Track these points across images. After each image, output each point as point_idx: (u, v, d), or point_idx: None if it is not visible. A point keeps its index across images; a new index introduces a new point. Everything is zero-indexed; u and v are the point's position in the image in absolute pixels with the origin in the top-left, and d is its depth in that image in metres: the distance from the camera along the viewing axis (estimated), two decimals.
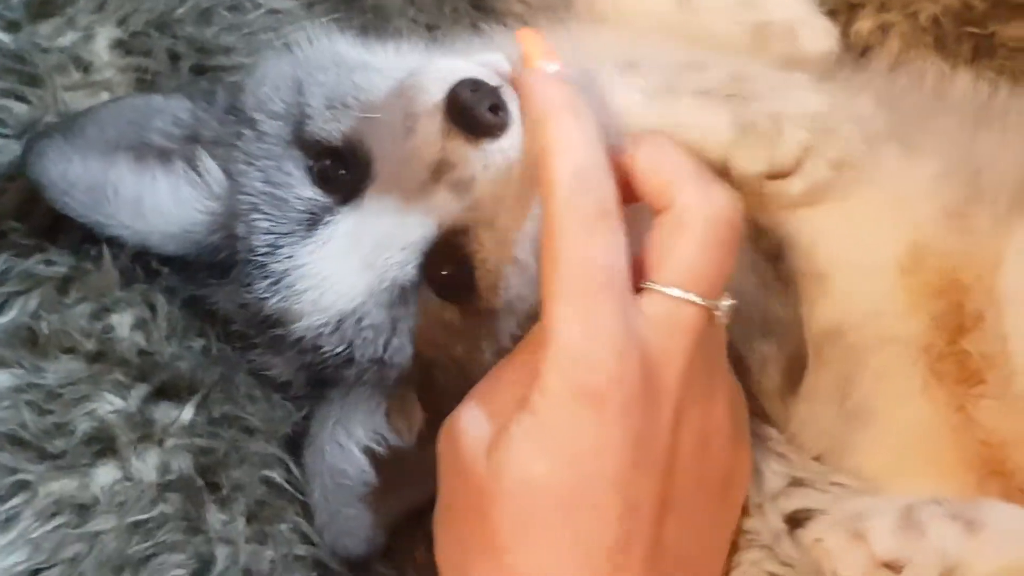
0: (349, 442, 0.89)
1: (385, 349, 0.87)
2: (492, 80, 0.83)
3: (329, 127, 0.87)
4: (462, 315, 0.88)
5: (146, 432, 0.84)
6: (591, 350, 0.76)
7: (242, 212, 0.87)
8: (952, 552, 0.80)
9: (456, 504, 0.81)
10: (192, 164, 0.90)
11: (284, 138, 0.88)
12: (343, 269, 0.86)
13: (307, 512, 0.88)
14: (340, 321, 0.86)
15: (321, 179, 0.87)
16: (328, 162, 0.87)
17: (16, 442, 0.82)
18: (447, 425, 0.82)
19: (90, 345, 0.85)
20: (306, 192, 0.86)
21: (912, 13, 1.02)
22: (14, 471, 0.81)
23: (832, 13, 1.01)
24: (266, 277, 0.87)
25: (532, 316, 0.84)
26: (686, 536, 0.81)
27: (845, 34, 1.02)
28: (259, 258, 0.86)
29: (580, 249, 0.77)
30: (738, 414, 0.86)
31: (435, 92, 0.82)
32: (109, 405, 0.84)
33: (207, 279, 0.90)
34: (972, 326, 0.90)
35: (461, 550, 0.80)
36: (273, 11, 0.99)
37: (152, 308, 0.88)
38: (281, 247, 0.86)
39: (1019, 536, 0.82)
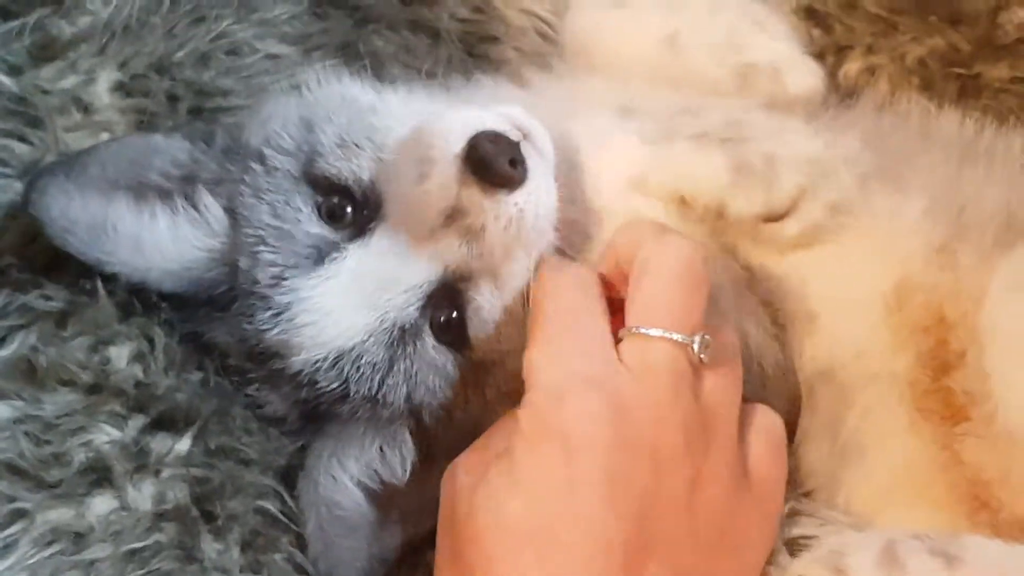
0: (343, 475, 0.91)
1: (380, 388, 0.89)
2: (512, 134, 0.86)
3: (340, 165, 0.90)
4: (456, 362, 0.90)
5: (142, 462, 0.86)
6: (560, 392, 0.80)
7: (246, 245, 0.90)
8: None
9: (443, 548, 0.84)
10: (192, 202, 0.92)
11: (293, 174, 0.91)
12: (345, 306, 0.88)
13: (301, 542, 0.89)
14: (338, 357, 0.88)
15: (329, 215, 0.89)
16: (336, 199, 0.89)
17: (14, 471, 0.84)
18: (447, 473, 0.85)
19: (87, 377, 0.88)
20: (313, 228, 0.89)
21: (900, 55, 1.05)
22: (12, 500, 0.83)
23: (821, 55, 1.06)
24: (268, 309, 0.89)
25: (516, 373, 0.87)
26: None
27: (834, 76, 1.06)
28: (262, 290, 0.89)
29: (554, 300, 0.83)
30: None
31: (455, 141, 0.85)
32: (106, 436, 0.86)
33: (204, 314, 0.92)
34: (956, 363, 0.91)
35: None
36: (271, 56, 1.02)
37: (150, 341, 0.90)
38: (285, 280, 0.88)
39: (998, 571, 0.83)
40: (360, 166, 0.89)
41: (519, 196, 0.86)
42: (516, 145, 0.86)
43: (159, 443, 0.87)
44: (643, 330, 0.82)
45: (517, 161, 0.85)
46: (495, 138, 0.85)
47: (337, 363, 0.88)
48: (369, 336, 0.88)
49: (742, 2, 1.06)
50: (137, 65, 0.98)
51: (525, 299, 0.89)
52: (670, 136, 0.94)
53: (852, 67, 1.06)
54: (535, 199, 0.86)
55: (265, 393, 0.92)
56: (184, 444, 0.88)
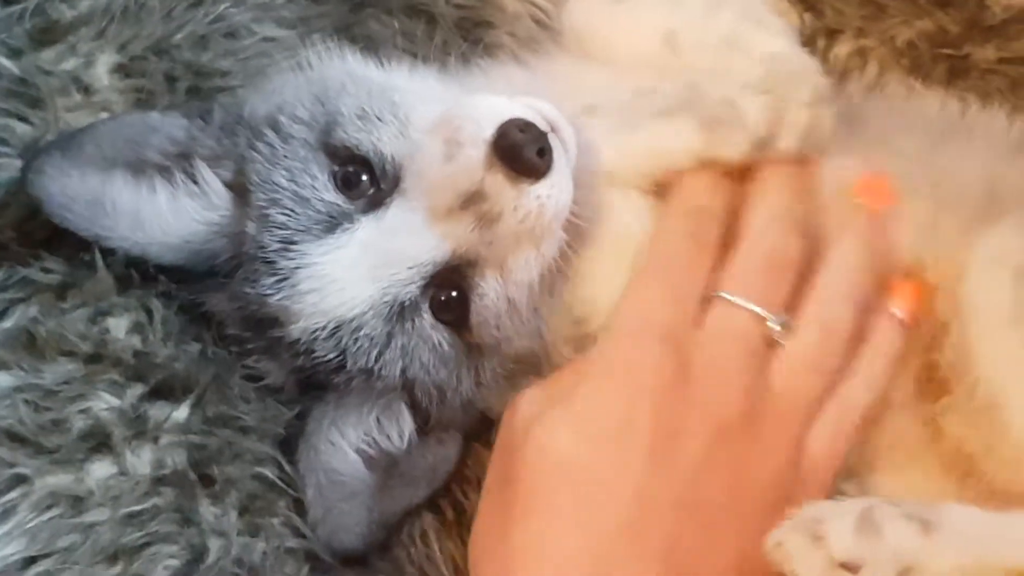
0: (342, 442, 0.93)
1: (376, 361, 0.91)
2: (542, 124, 0.89)
3: (361, 136, 0.92)
4: (452, 342, 0.93)
5: (141, 429, 0.89)
6: (634, 337, 0.85)
7: (256, 209, 0.92)
8: (908, 552, 0.83)
9: (493, 473, 0.87)
10: (190, 176, 0.95)
11: (309, 142, 0.93)
12: (350, 276, 0.90)
13: (299, 507, 0.92)
14: (337, 328, 0.91)
15: (344, 184, 0.92)
16: (352, 168, 0.92)
17: (14, 438, 0.87)
18: (510, 403, 0.88)
19: (86, 347, 0.90)
20: (328, 195, 0.91)
21: (889, 38, 1.08)
22: (12, 465, 0.86)
23: (812, 38, 1.09)
24: (273, 274, 0.91)
25: (516, 359, 0.93)
26: (708, 549, 0.84)
27: (825, 59, 1.08)
28: (269, 254, 0.91)
29: (665, 245, 0.90)
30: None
31: (486, 126, 0.88)
32: (104, 403, 0.89)
33: (203, 284, 0.95)
34: (939, 335, 0.93)
35: (485, 528, 0.86)
36: (268, 39, 1.05)
37: (149, 312, 0.93)
38: (294, 244, 0.90)
39: (974, 536, 0.84)
40: (381, 139, 0.91)
41: (542, 188, 0.88)
42: (544, 136, 0.88)
43: (157, 411, 0.90)
44: (727, 296, 0.87)
45: (544, 151, 0.88)
46: (525, 126, 0.88)
47: (335, 333, 0.91)
48: (369, 309, 0.90)
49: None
50: (136, 47, 1.00)
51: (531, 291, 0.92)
52: (634, 122, 0.96)
53: (842, 50, 1.09)
54: (555, 193, 0.89)
55: (263, 363, 0.95)
56: (182, 412, 0.90)
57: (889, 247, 0.92)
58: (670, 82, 0.96)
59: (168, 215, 0.94)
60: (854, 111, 1.01)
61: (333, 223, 0.90)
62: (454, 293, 0.91)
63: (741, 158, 0.93)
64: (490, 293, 0.92)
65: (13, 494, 0.85)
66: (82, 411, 0.88)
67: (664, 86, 0.96)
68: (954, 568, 0.82)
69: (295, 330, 0.91)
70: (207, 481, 0.89)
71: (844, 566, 0.82)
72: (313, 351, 0.92)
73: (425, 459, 0.95)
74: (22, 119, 0.97)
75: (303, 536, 0.91)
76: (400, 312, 0.90)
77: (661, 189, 0.96)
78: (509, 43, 1.12)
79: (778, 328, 0.87)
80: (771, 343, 0.87)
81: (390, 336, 0.91)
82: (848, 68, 1.09)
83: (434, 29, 1.11)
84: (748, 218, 0.92)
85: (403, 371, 0.92)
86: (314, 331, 0.91)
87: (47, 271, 0.92)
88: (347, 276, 0.90)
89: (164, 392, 0.91)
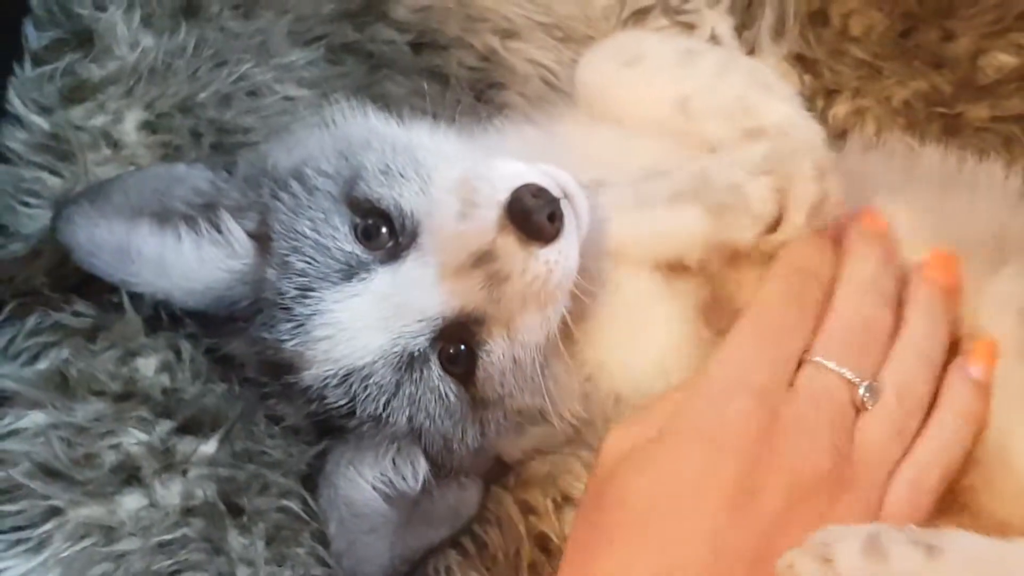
0: (359, 480, 0.99)
1: (385, 408, 0.98)
2: (555, 191, 0.95)
3: (383, 191, 0.99)
4: (458, 394, 0.99)
5: (169, 462, 0.96)
6: (727, 394, 0.91)
7: (278, 256, 0.99)
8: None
9: (585, 505, 0.94)
10: (214, 226, 1.02)
11: (332, 194, 1.00)
12: (362, 325, 0.97)
13: (322, 538, 0.98)
14: (348, 375, 0.97)
15: (364, 236, 0.99)
16: (372, 222, 0.99)
17: (48, 472, 0.93)
18: (606, 434, 0.95)
19: (116, 387, 0.97)
20: (348, 245, 0.97)
21: (886, 97, 1.16)
22: (46, 498, 0.93)
23: (811, 98, 1.17)
24: (289, 320, 0.98)
25: (520, 412, 1.00)
26: None
27: (823, 118, 1.17)
28: (286, 301, 0.97)
29: (768, 306, 0.97)
30: None
31: (501, 189, 0.95)
32: (134, 439, 0.96)
33: (224, 328, 1.01)
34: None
35: (571, 557, 0.92)
36: (288, 98, 1.13)
37: (177, 353, 1.00)
38: (311, 291, 0.97)
39: (978, 562, 0.90)
40: (403, 195, 0.98)
41: (551, 253, 0.95)
42: (557, 202, 0.95)
43: (186, 445, 0.97)
44: (821, 360, 0.93)
45: (555, 217, 0.94)
46: (539, 192, 0.94)
47: (346, 380, 0.97)
48: (380, 358, 0.97)
49: (750, 63, 1.15)
50: (162, 105, 1.09)
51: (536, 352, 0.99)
52: (643, 205, 1.02)
53: (841, 109, 1.18)
54: (563, 259, 0.95)
55: (281, 406, 1.01)
56: (211, 447, 0.97)
57: (955, 317, 0.99)
58: (680, 167, 1.03)
59: (192, 262, 1.00)
60: (856, 166, 1.09)
61: (350, 272, 0.97)
62: (462, 348, 0.98)
63: (754, 240, 0.99)
64: (496, 351, 0.98)
65: (48, 526, 0.92)
66: (113, 446, 0.95)
67: (675, 171, 1.02)
68: None
69: (308, 376, 0.98)
70: (235, 512, 0.95)
71: None
72: (325, 397, 0.98)
73: (446, 501, 1.01)
74: (53, 172, 1.05)
75: (327, 565, 0.97)
76: (409, 363, 0.97)
77: (670, 266, 1.02)
78: (520, 102, 1.20)
79: (867, 394, 0.93)
80: (859, 407, 0.94)
81: (398, 385, 0.97)
82: (847, 127, 1.17)
83: (447, 89, 1.19)
84: (842, 286, 0.98)
85: (410, 419, 0.98)
86: (325, 378, 0.98)
87: (78, 315, 0.99)
88: (359, 325, 0.96)
89: (192, 428, 0.97)
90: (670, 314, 1.03)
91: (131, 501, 0.94)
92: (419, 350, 0.96)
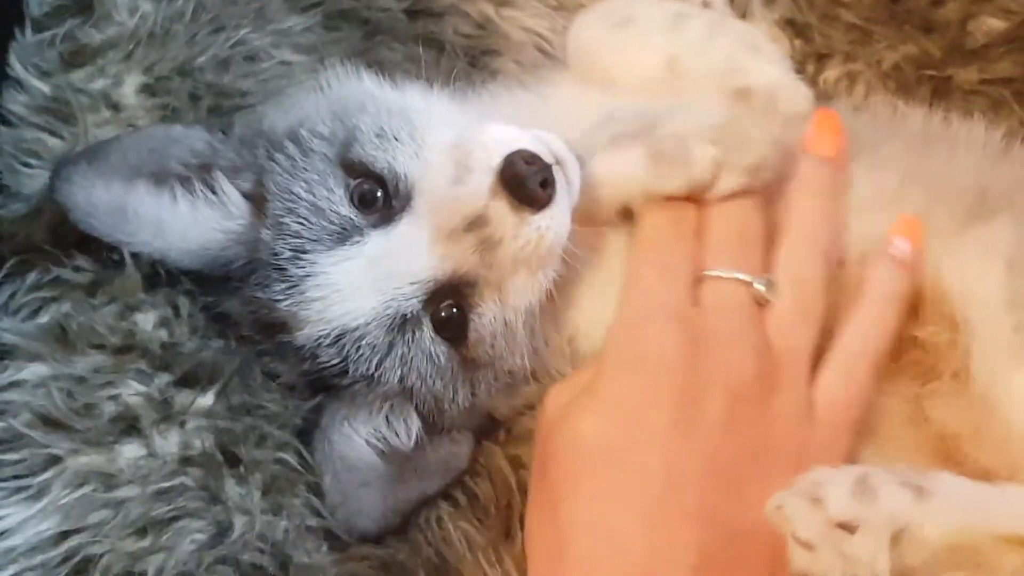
0: (354, 435, 1.02)
1: (377, 368, 1.00)
2: (547, 157, 0.98)
3: (377, 154, 1.01)
4: (449, 356, 1.01)
5: (168, 414, 0.98)
6: (643, 321, 0.94)
7: (273, 217, 1.01)
8: (902, 515, 0.91)
9: (535, 467, 0.97)
10: (210, 187, 1.04)
11: (328, 157, 1.02)
12: (356, 287, 0.99)
13: (318, 490, 1.00)
14: (340, 335, 1.00)
15: (360, 200, 1.01)
16: (367, 185, 1.01)
17: (47, 422, 0.95)
18: (541, 400, 0.98)
19: (116, 340, 0.99)
20: (343, 209, 1.00)
21: (876, 61, 1.18)
22: (46, 447, 0.95)
23: (802, 63, 1.19)
24: (283, 281, 1.00)
25: (511, 373, 1.03)
26: (739, 505, 0.92)
27: (814, 82, 1.19)
28: (281, 262, 1.00)
29: (652, 239, 1.00)
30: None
31: (495, 154, 0.97)
32: (133, 390, 0.98)
33: (219, 288, 1.04)
34: (929, 320, 1.02)
35: (535, 511, 0.95)
36: (285, 62, 1.15)
37: (175, 309, 1.02)
38: (305, 253, 0.99)
39: (965, 503, 0.92)
40: (397, 158, 1.00)
41: (542, 219, 0.97)
42: (549, 168, 0.97)
43: (184, 397, 0.99)
44: (713, 272, 0.97)
45: (548, 183, 0.97)
46: (531, 158, 0.96)
47: (339, 341, 1.00)
48: (372, 319, 0.99)
49: (740, 25, 1.18)
50: (161, 69, 1.10)
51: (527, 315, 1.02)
52: (591, 150, 1.03)
53: (831, 74, 1.20)
54: (555, 225, 0.98)
55: (275, 363, 1.03)
56: (208, 399, 0.99)
57: (846, 186, 1.02)
58: (628, 109, 1.05)
59: (187, 223, 1.02)
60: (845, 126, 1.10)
61: (344, 235, 0.99)
62: (454, 310, 1.00)
63: (676, 194, 1.01)
64: (488, 314, 1.01)
65: (48, 474, 0.94)
66: (112, 397, 0.97)
67: (621, 113, 1.05)
68: (945, 531, 0.90)
69: (301, 336, 1.00)
70: (233, 462, 0.97)
71: (842, 526, 0.91)
72: (318, 356, 1.00)
73: (438, 455, 1.04)
74: (54, 133, 1.07)
75: (322, 516, 0.99)
76: (401, 324, 0.99)
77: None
78: (514, 69, 1.22)
79: (763, 288, 0.97)
80: (761, 303, 0.97)
81: (391, 346, 0.99)
82: (837, 90, 1.19)
83: (442, 56, 1.21)
84: (711, 206, 1.01)
85: (401, 379, 1.00)
86: (318, 338, 1.00)
87: (78, 270, 1.01)
88: (353, 287, 0.99)
89: (190, 381, 0.99)
90: None
91: (130, 450, 0.96)
92: (411, 312, 0.98)
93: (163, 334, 1.00)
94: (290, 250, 0.99)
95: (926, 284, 1.01)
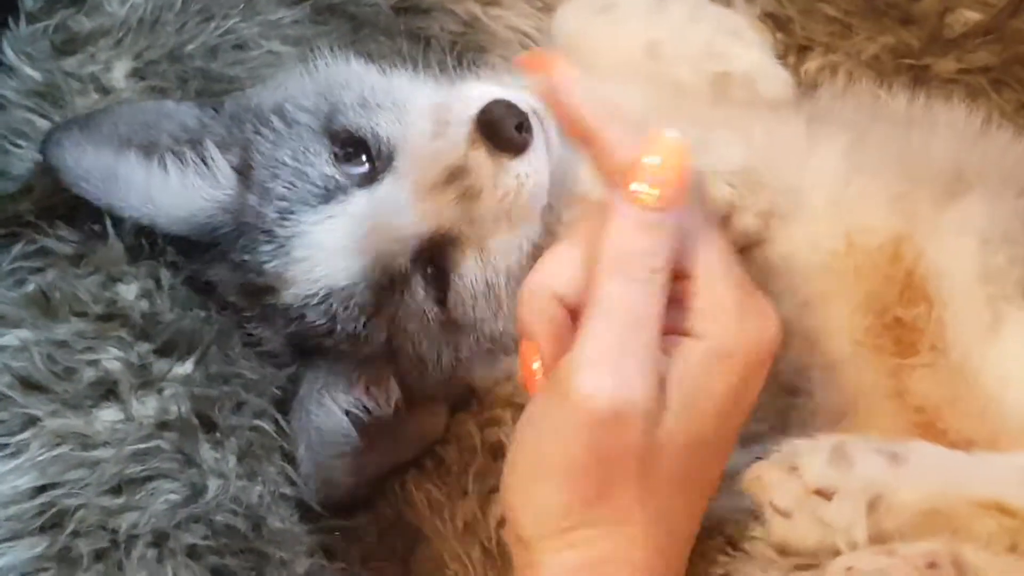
0: (332, 405, 1.03)
1: (364, 328, 1.02)
2: (523, 106, 1.00)
3: (360, 121, 1.04)
4: (434, 316, 1.03)
5: (146, 379, 0.99)
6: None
7: (259, 182, 1.04)
8: (878, 481, 0.92)
9: None
10: (201, 157, 1.06)
11: (312, 128, 1.05)
12: (341, 246, 1.01)
13: (292, 459, 1.02)
14: (327, 295, 1.02)
15: (343, 161, 1.04)
16: (352, 150, 1.04)
17: (27, 384, 0.97)
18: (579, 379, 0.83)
19: (98, 308, 1.01)
20: (327, 169, 1.03)
21: (856, 52, 1.21)
22: (24, 408, 0.96)
23: (783, 55, 1.22)
24: (270, 242, 1.02)
25: (493, 340, 1.04)
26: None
27: (796, 73, 1.21)
28: (267, 224, 1.03)
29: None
30: None
31: (472, 106, 1.00)
32: (113, 356, 0.99)
33: (207, 254, 1.06)
34: (910, 297, 1.04)
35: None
36: (273, 52, 1.18)
37: (157, 281, 1.04)
38: (292, 214, 1.02)
39: (939, 470, 0.94)
40: (379, 124, 1.04)
41: (520, 165, 0.99)
42: (525, 114, 0.99)
43: (163, 365, 1.00)
44: None
45: (524, 127, 0.99)
46: (507, 106, 0.99)
47: (326, 300, 1.02)
48: (358, 278, 1.01)
49: (720, 11, 1.20)
50: (151, 55, 1.13)
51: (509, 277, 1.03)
52: None
53: (812, 65, 1.22)
54: (533, 172, 1.00)
55: (260, 329, 1.05)
56: (187, 367, 1.01)
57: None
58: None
59: (177, 191, 1.05)
60: (824, 111, 1.14)
61: (328, 195, 1.02)
62: (437, 270, 1.02)
63: None
64: (469, 273, 1.03)
65: (25, 434, 0.95)
66: (91, 362, 0.98)
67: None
68: (920, 497, 0.91)
69: (287, 296, 1.02)
70: (209, 427, 0.98)
71: (818, 493, 0.92)
72: (304, 316, 1.02)
73: (415, 427, 1.05)
74: (43, 115, 1.09)
75: (296, 485, 1.01)
76: (387, 283, 1.01)
77: None
78: (501, 65, 1.24)
79: None
80: None
81: (377, 305, 1.02)
82: (818, 81, 1.21)
83: (429, 50, 1.23)
84: None
85: (388, 339, 1.02)
86: (305, 297, 1.02)
87: (62, 240, 1.03)
88: (338, 246, 1.01)
89: (169, 350, 1.01)
90: None
91: (107, 414, 0.97)
92: (397, 270, 1.01)
93: (144, 304, 1.02)
94: (276, 212, 1.02)
95: (913, 270, 1.03)
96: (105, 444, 0.95)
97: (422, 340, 1.03)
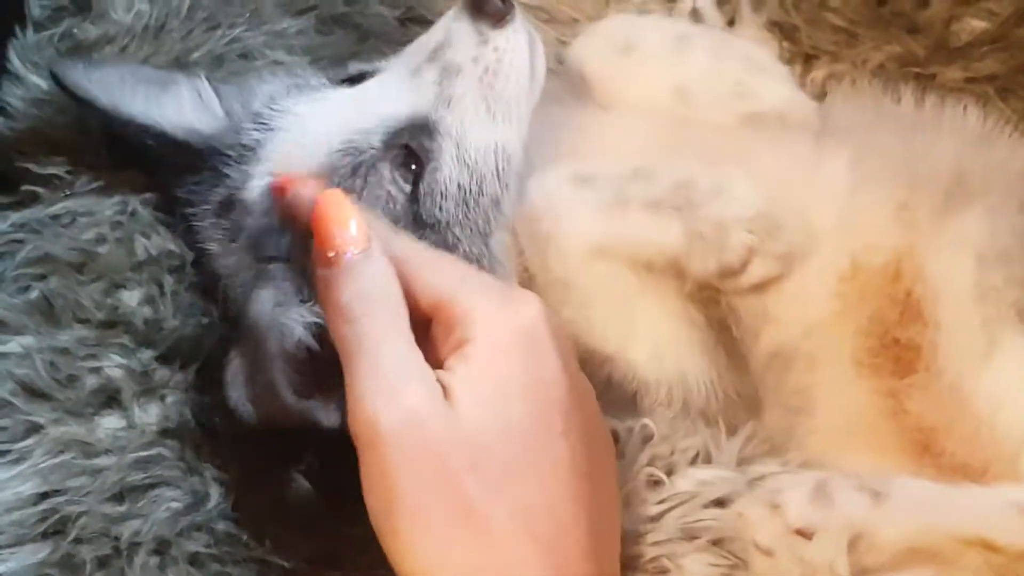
0: (288, 320, 0.95)
1: None
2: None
3: (363, 67, 1.09)
4: (404, 205, 1.03)
5: (149, 387, 0.99)
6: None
7: (251, 91, 1.08)
8: (858, 520, 0.93)
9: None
10: (195, 90, 1.09)
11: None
12: (320, 121, 1.04)
13: (295, 463, 1.01)
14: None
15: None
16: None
17: (30, 391, 0.97)
18: (387, 421, 0.81)
19: (101, 315, 1.01)
20: (321, 80, 1.08)
21: (862, 61, 1.20)
22: (27, 415, 0.96)
23: (789, 63, 1.21)
24: (253, 120, 1.05)
25: (452, 250, 1.02)
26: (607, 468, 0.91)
27: (802, 82, 1.21)
28: (253, 112, 1.06)
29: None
30: None
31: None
32: (115, 364, 0.99)
33: (198, 164, 1.06)
34: (910, 316, 1.03)
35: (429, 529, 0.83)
36: (278, 62, 1.18)
37: (160, 287, 1.04)
38: (277, 99, 1.06)
39: (922, 506, 0.94)
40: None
41: (500, 37, 1.03)
42: None
43: (165, 372, 1.00)
44: None
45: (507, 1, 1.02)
46: None
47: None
48: (331, 154, 1.02)
49: (743, 47, 1.20)
50: (156, 62, 1.14)
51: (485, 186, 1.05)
52: (624, 204, 1.05)
53: (818, 74, 1.21)
54: (512, 48, 1.04)
55: (224, 257, 1.04)
56: (189, 375, 1.01)
57: None
58: (668, 172, 1.06)
59: (187, 103, 1.07)
60: (829, 121, 1.14)
61: (317, 91, 1.07)
62: (410, 158, 1.03)
63: (698, 277, 1.04)
64: (444, 168, 1.04)
65: (29, 441, 0.95)
66: (94, 370, 0.98)
67: (662, 175, 1.06)
68: (903, 534, 0.92)
69: (258, 173, 1.03)
70: (211, 435, 0.99)
71: (799, 533, 0.92)
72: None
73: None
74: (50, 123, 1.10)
75: (299, 491, 1.00)
76: (359, 162, 1.02)
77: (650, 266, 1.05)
78: None
79: None
80: None
81: (350, 184, 1.01)
82: (825, 90, 1.21)
83: None
84: None
85: None
86: (280, 171, 1.02)
87: (67, 248, 1.03)
88: (318, 122, 1.04)
89: (172, 357, 1.01)
90: (659, 303, 1.06)
91: (109, 422, 0.97)
92: (372, 151, 1.02)
93: (147, 311, 1.02)
94: (265, 98, 1.07)
95: (912, 289, 1.03)
96: (107, 452, 0.96)
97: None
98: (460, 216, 1.02)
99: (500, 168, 1.03)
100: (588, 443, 0.85)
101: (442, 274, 0.87)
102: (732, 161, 1.07)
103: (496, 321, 0.85)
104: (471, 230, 1.03)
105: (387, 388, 0.81)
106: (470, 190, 1.03)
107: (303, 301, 0.96)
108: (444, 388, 0.82)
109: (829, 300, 1.05)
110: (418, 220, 1.02)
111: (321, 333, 0.92)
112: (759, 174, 1.05)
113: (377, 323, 0.83)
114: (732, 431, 1.04)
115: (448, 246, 1.02)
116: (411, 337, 0.83)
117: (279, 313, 0.94)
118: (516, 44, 1.03)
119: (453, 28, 1.03)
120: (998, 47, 1.17)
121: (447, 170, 1.03)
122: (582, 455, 0.85)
